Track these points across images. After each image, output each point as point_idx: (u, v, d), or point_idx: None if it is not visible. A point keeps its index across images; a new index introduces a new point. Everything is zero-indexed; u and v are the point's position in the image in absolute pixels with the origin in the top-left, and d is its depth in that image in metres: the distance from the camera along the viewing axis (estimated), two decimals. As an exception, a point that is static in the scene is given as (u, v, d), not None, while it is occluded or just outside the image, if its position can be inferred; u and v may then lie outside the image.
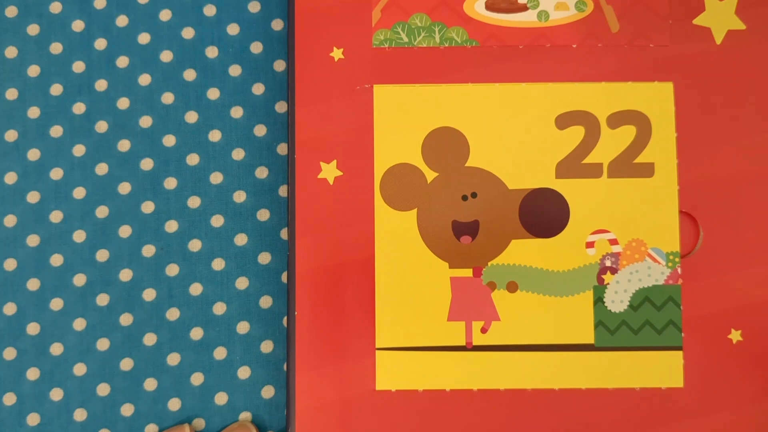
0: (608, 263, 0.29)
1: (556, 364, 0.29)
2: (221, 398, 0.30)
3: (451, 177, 0.29)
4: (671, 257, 0.29)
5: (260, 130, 0.31)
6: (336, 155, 0.29)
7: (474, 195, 0.29)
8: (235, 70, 0.31)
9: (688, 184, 0.29)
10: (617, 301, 0.29)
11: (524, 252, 0.29)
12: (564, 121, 0.29)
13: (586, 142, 0.29)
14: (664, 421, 0.28)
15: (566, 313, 0.29)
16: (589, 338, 0.29)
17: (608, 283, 0.29)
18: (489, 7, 0.30)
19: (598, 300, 0.29)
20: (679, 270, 0.29)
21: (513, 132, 0.30)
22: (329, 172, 0.29)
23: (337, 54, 0.30)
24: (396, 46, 0.30)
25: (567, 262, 0.29)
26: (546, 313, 0.29)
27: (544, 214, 0.29)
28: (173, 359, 0.30)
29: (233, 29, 0.31)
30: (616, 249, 0.29)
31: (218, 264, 0.31)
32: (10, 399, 0.30)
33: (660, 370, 0.29)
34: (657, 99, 0.29)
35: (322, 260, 0.29)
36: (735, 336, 0.29)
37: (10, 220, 0.31)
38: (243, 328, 0.30)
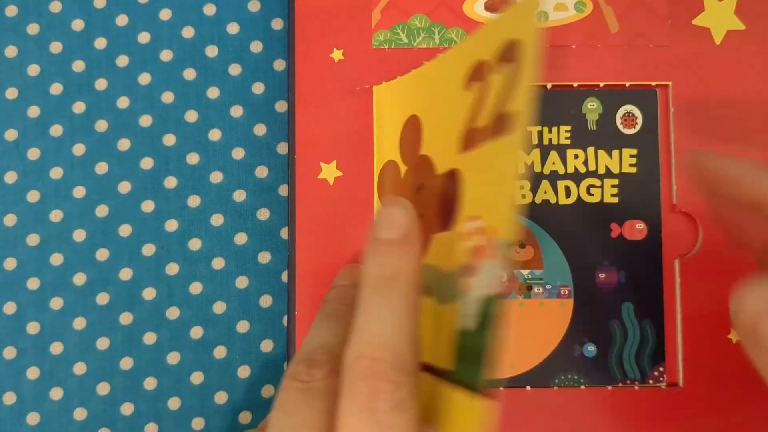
0: (474, 261, 0.21)
1: None
2: (221, 397, 0.30)
3: (411, 168, 0.28)
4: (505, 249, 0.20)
5: (260, 130, 0.31)
6: (336, 155, 0.29)
7: (421, 187, 0.26)
8: (234, 70, 0.31)
9: (687, 184, 0.29)
10: (468, 315, 0.21)
11: (435, 249, 0.24)
12: (470, 80, 0.24)
13: (478, 104, 0.23)
14: (664, 421, 0.28)
15: (442, 327, 0.22)
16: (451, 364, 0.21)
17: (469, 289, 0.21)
18: (488, 8, 0.30)
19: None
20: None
21: (440, 108, 0.25)
22: (329, 172, 0.29)
23: (337, 55, 0.30)
24: (396, 47, 0.30)
25: (452, 261, 0.22)
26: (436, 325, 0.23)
27: (447, 201, 0.24)
28: (173, 358, 0.30)
29: (233, 28, 0.31)
30: (481, 241, 0.21)
31: (218, 263, 0.31)
32: (10, 398, 0.30)
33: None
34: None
35: (322, 260, 0.29)
36: (735, 336, 0.29)
37: (10, 220, 0.31)
38: (243, 327, 0.30)
